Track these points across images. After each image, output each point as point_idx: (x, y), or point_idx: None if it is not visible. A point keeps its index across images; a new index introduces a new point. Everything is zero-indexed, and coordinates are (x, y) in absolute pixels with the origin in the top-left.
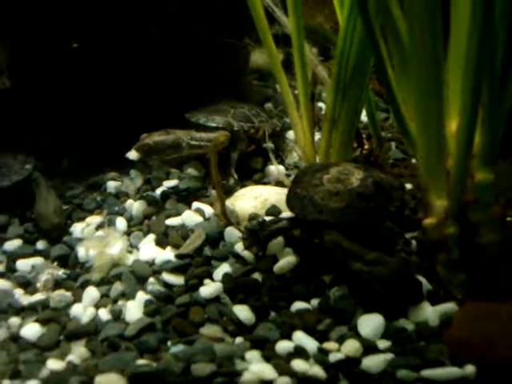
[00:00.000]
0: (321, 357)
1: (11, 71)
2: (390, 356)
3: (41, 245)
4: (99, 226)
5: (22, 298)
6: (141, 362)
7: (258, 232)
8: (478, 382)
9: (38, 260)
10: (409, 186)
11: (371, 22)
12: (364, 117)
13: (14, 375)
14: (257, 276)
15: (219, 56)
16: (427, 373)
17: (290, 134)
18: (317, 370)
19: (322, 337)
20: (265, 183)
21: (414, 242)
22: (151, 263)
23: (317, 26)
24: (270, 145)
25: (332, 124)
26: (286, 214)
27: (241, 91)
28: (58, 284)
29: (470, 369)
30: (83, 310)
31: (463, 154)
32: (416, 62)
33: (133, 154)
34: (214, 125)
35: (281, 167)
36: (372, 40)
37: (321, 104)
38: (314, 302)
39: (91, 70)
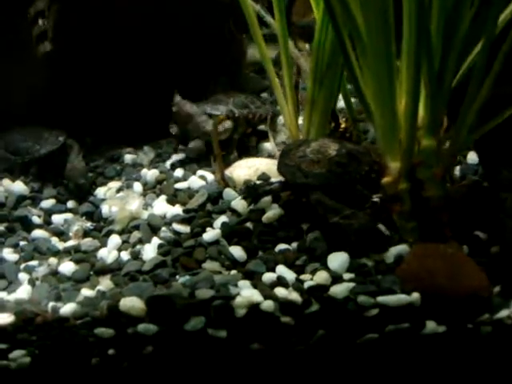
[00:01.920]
0: (298, 285)
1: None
2: (352, 285)
3: (70, 204)
4: (119, 190)
5: (58, 244)
6: (155, 289)
7: (253, 188)
8: (422, 306)
9: (68, 215)
10: None
11: (338, 23)
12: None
13: (56, 299)
14: (248, 225)
15: (219, 50)
16: (382, 299)
17: (280, 119)
18: (295, 296)
19: (299, 270)
20: (258, 157)
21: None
22: (163, 217)
23: (309, 22)
24: (263, 127)
25: (311, 107)
26: (274, 179)
27: (238, 82)
28: (86, 234)
29: (415, 296)
30: (108, 253)
31: (410, 126)
32: (373, 54)
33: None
34: (219, 113)
35: (273, 144)
36: (339, 37)
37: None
38: (294, 244)
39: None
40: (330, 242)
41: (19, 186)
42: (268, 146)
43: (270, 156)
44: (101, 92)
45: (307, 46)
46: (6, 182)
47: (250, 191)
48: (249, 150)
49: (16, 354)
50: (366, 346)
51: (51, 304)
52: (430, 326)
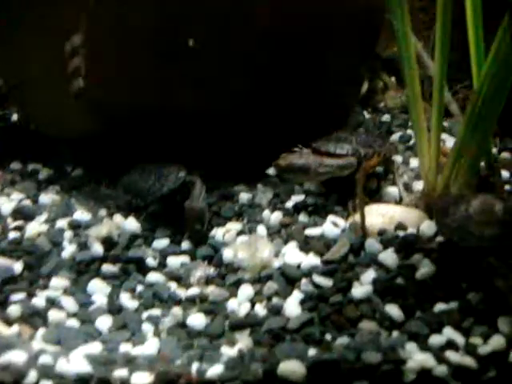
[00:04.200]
0: (470, 349)
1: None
2: None
3: (185, 245)
4: (240, 232)
5: (178, 290)
6: (312, 351)
7: (408, 243)
8: None
9: (185, 258)
10: None
11: None
12: None
13: (199, 359)
14: (400, 281)
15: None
16: None
17: (396, 159)
18: (468, 360)
19: (467, 333)
20: (382, 201)
21: None
22: (298, 267)
23: (392, 54)
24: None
25: (459, 154)
26: (411, 230)
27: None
28: (208, 281)
29: None
30: (238, 305)
31: None
32: None
33: (272, 170)
34: (344, 152)
35: (401, 188)
36: None
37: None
38: (453, 304)
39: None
40: (497, 304)
41: (132, 224)
42: (393, 189)
43: (396, 202)
44: (213, 124)
45: (393, 79)
46: (118, 218)
47: (405, 246)
48: (370, 193)
49: None
50: None
51: (196, 365)
52: None
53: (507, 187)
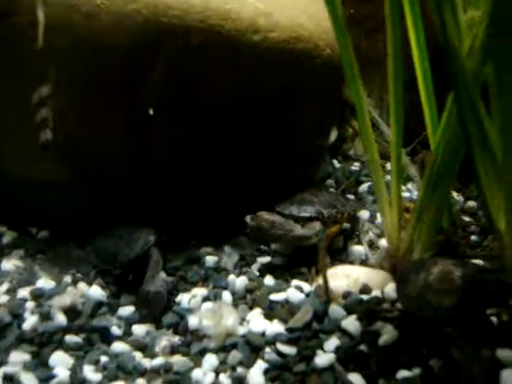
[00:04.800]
0: None
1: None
2: None
3: None
4: (205, 298)
5: (143, 360)
6: None
7: (371, 313)
8: None
9: (150, 326)
10: None
11: (471, 143)
12: None
13: None
14: (363, 348)
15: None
16: None
17: (362, 214)
18: None
19: None
20: (350, 262)
21: None
22: (262, 334)
23: None
24: (346, 224)
25: (420, 214)
26: (375, 292)
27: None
28: (173, 349)
29: None
30: (203, 375)
31: None
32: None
33: (249, 220)
34: (308, 215)
35: (366, 248)
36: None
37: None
38: (416, 370)
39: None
40: (457, 372)
41: (96, 291)
42: (359, 248)
43: (362, 261)
44: (180, 184)
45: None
46: (82, 285)
47: (368, 313)
48: (336, 253)
49: None
50: None
51: None
52: None
53: (474, 237)
